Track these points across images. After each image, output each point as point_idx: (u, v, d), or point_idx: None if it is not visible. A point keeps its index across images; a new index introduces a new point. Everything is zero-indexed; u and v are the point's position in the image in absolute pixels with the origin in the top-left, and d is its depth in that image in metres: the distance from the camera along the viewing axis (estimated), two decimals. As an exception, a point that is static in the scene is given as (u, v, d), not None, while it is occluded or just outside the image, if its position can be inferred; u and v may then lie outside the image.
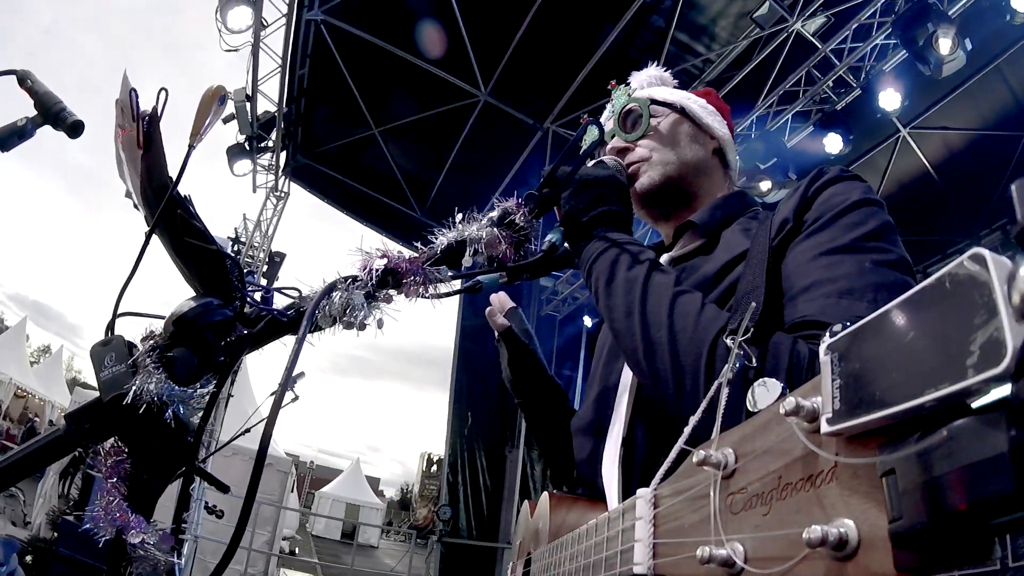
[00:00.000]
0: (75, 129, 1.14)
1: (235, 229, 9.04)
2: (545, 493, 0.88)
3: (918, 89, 5.58)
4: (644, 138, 1.17)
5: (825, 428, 0.36)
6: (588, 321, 10.27)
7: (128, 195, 0.96)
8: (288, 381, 0.68)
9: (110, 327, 0.75)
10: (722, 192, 1.19)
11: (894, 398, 0.31)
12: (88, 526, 0.65)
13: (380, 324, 0.89)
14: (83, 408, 0.68)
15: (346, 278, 0.86)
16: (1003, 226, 7.13)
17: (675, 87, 1.30)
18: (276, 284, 0.86)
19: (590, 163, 1.07)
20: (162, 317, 0.76)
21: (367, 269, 0.88)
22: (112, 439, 0.70)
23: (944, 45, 4.82)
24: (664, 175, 1.14)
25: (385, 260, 0.88)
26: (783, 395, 0.44)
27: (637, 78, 1.30)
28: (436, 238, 0.94)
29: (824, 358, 0.38)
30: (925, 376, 0.30)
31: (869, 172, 7.50)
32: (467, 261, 0.93)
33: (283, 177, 9.36)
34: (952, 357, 0.28)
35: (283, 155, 8.91)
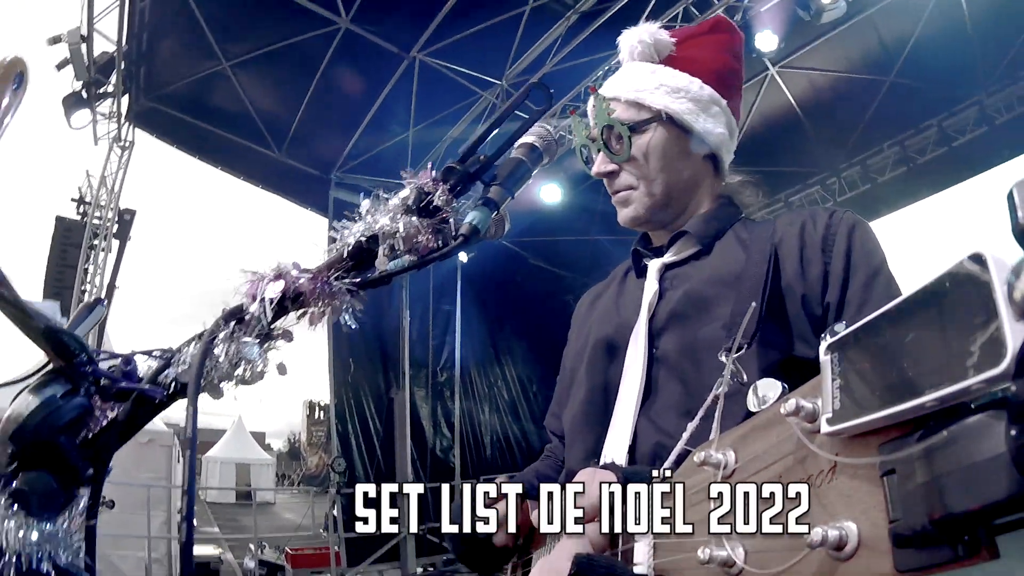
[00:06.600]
0: None
1: (79, 189, 7.89)
2: None
3: (790, 30, 5.78)
4: (629, 162, 1.10)
5: (825, 428, 0.36)
6: (463, 256, 10.17)
7: None
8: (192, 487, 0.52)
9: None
10: (710, 197, 1.15)
11: (894, 398, 0.31)
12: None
13: (282, 370, 0.71)
14: None
15: (227, 319, 0.67)
16: (862, 161, 7.74)
17: (673, 46, 1.13)
18: (133, 351, 0.66)
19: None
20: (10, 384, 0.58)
21: (257, 299, 0.68)
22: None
23: (827, -6, 4.98)
24: (649, 206, 1.11)
25: (281, 283, 0.70)
26: (783, 395, 0.43)
27: (627, 41, 1.14)
28: (339, 232, 0.76)
29: (824, 358, 0.37)
30: (925, 376, 0.29)
31: (736, 106, 7.83)
32: (381, 262, 0.75)
33: (126, 124, 8.22)
34: (952, 357, 0.28)
35: (125, 100, 7.79)
